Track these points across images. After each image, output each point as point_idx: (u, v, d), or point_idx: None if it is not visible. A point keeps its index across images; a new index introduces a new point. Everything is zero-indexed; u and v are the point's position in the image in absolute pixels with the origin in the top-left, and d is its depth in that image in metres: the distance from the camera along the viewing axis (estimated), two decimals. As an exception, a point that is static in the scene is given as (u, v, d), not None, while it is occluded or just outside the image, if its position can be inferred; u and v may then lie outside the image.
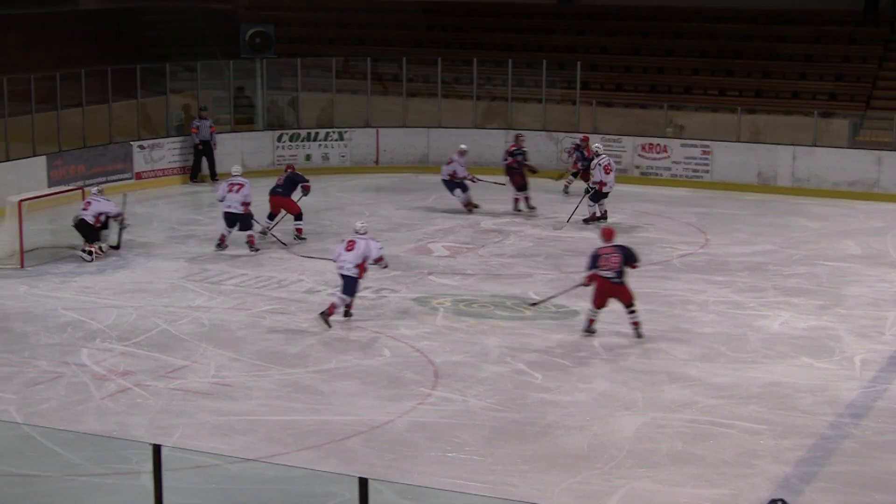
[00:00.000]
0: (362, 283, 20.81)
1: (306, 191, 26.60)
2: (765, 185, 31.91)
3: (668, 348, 19.32)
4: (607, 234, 19.93)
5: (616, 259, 19.40)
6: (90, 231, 24.44)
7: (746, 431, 16.19)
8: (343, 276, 20.49)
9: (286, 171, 27.00)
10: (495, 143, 33.79)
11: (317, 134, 34.23)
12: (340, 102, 35.03)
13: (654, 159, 32.37)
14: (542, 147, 33.50)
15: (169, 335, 19.93)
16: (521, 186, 29.43)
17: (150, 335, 19.92)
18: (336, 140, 34.24)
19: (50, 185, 28.82)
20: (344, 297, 20.50)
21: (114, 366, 18.56)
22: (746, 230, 27.71)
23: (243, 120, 34.98)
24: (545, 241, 26.18)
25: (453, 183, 29.35)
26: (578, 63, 33.97)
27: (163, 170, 32.68)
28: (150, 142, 32.73)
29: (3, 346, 19.40)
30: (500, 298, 22.02)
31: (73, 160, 30.67)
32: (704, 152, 32.33)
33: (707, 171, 32.29)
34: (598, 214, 28.01)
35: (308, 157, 34.08)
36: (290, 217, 26.51)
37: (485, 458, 15.22)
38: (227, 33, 37.49)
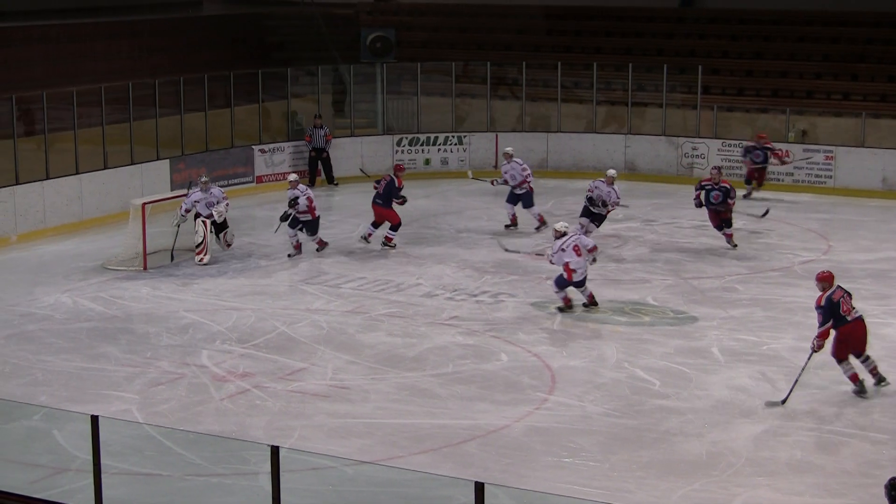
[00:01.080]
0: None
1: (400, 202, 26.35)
2: (889, 191, 31.37)
3: (789, 356, 19.08)
4: (827, 279, 17.44)
5: (849, 299, 17.44)
6: (218, 226, 24.89)
7: (868, 441, 15.96)
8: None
9: (385, 178, 26.55)
10: (614, 147, 33.69)
11: (436, 138, 34.30)
12: (460, 107, 35.09)
13: (776, 164, 31.98)
14: (661, 152, 33.32)
15: (287, 338, 20.09)
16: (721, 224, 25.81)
17: (269, 337, 20.09)
18: (455, 144, 34.29)
19: (172, 189, 29.15)
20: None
21: (233, 367, 18.75)
22: (870, 236, 27.29)
23: (363, 124, 35.13)
24: (663, 247, 26.00)
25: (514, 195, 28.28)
26: (699, 67, 33.67)
27: (283, 173, 32.87)
28: (271, 146, 33.01)
29: (126, 347, 19.68)
30: (618, 304, 21.92)
31: (195, 163, 31.01)
32: (827, 157, 31.91)
33: (830, 177, 31.87)
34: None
35: (427, 162, 34.18)
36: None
37: (601, 464, 15.16)
38: (348, 38, 37.69)
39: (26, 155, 27.58)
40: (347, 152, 33.44)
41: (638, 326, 20.76)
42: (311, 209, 25.32)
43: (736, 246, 25.48)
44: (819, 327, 17.09)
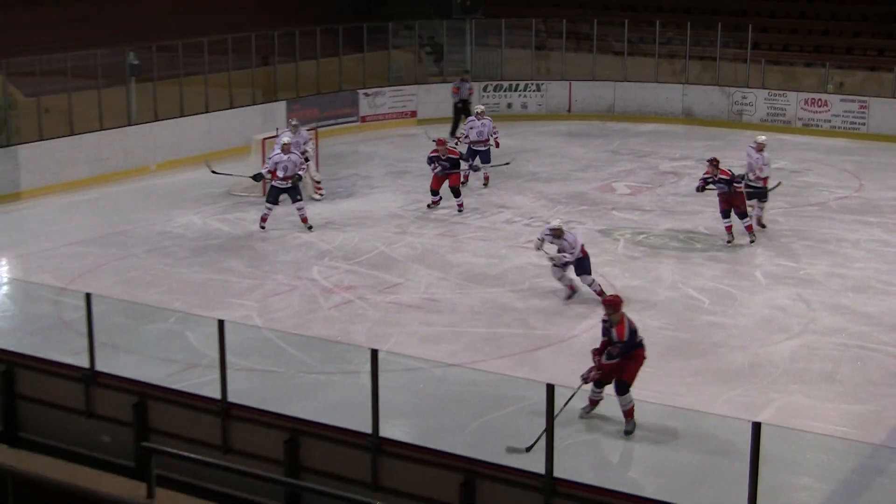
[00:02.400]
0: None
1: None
2: (917, 137, 30.92)
3: (823, 280, 18.93)
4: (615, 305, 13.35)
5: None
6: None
7: (892, 355, 15.85)
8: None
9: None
10: (673, 95, 33.39)
11: (517, 85, 34.15)
12: (539, 58, 34.86)
13: (816, 112, 31.56)
14: (714, 100, 32.97)
15: (386, 256, 20.18)
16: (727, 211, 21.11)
17: (371, 256, 20.19)
18: (534, 91, 34.11)
19: (286, 127, 29.23)
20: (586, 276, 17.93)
21: (339, 281, 18.88)
22: (898, 176, 26.93)
23: (453, 73, 35.00)
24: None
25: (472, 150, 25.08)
26: (750, 25, 33.19)
27: (384, 114, 33.00)
28: (374, 90, 33.02)
29: (248, 262, 19.85)
30: (674, 232, 21.79)
31: (308, 105, 31.14)
32: (861, 107, 31.38)
33: (864, 124, 31.34)
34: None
35: (509, 106, 34.07)
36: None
37: (656, 371, 15.11)
38: (442, -4, 37.59)
39: (164, 96, 27.78)
40: (440, 97, 33.38)
41: (690, 252, 20.64)
42: (293, 173, 21.69)
43: (753, 241, 20.89)
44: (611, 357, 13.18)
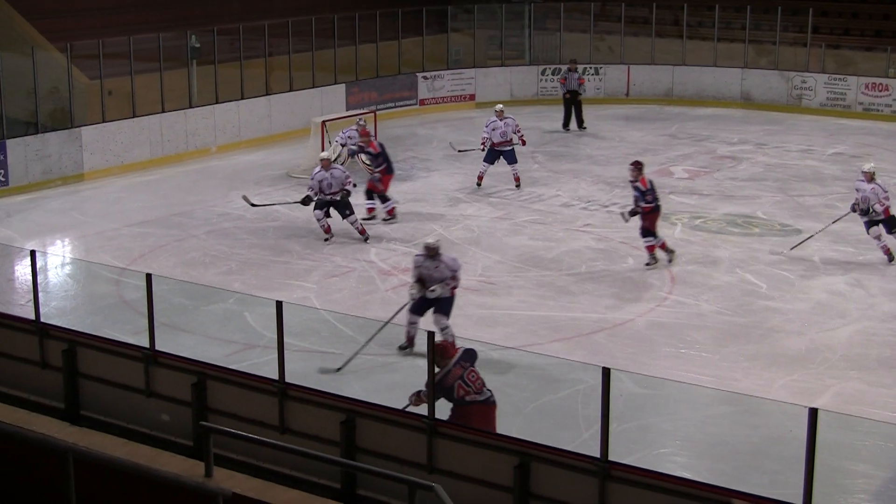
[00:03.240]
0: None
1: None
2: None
3: (882, 266, 18.71)
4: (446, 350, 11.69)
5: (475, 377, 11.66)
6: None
7: (951, 342, 15.67)
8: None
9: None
10: (732, 79, 33.10)
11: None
12: (597, 41, 34.67)
13: (876, 97, 31.20)
14: (773, 84, 32.68)
15: (444, 239, 20.15)
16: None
17: (428, 239, 20.16)
18: (592, 74, 33.91)
19: (347, 109, 29.31)
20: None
21: (396, 263, 18.89)
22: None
23: (512, 56, 34.93)
24: (773, 168, 25.53)
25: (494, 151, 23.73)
26: (811, 9, 32.85)
27: (442, 97, 32.97)
28: (433, 73, 33.00)
29: (307, 245, 19.90)
30: (732, 216, 21.63)
31: (367, 88, 31.18)
32: (922, 91, 31.09)
33: (924, 109, 31.06)
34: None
35: (567, 89, 33.96)
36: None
37: (713, 356, 15.07)
38: (501, -20, 37.51)
39: (225, 79, 27.90)
40: (498, 80, 33.36)
41: (748, 237, 20.48)
42: (340, 188, 20.06)
43: (649, 264, 18.72)
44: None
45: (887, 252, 18.83)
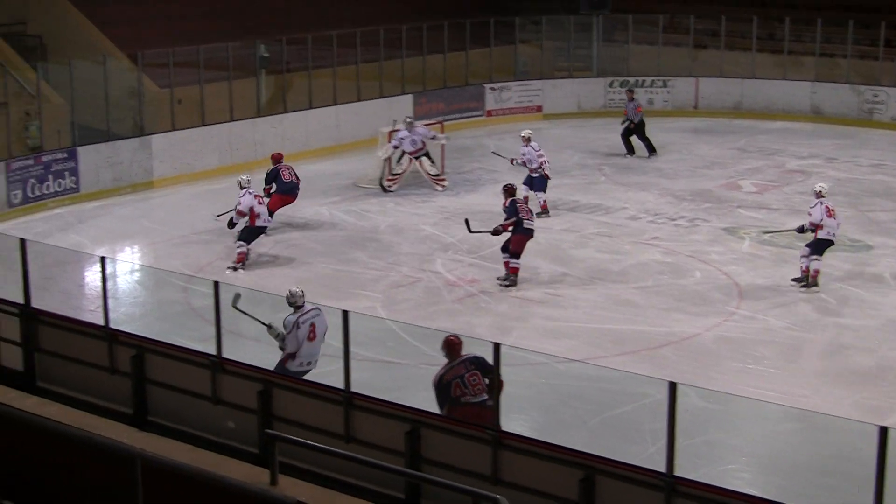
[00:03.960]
0: None
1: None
2: None
3: (955, 283, 18.49)
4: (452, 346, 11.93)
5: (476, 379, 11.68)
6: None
7: None
8: None
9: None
10: (802, 92, 32.82)
11: (643, 81, 33.85)
12: (665, 54, 34.50)
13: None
14: (845, 98, 32.36)
15: (510, 250, 20.14)
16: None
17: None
18: (660, 87, 33.80)
19: (415, 120, 29.37)
20: None
21: (463, 274, 18.90)
22: None
23: (580, 68, 34.85)
24: (844, 183, 25.27)
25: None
26: (882, 23, 32.52)
27: (510, 108, 32.97)
28: (500, 84, 33.01)
29: (373, 254, 19.98)
30: (801, 231, 21.46)
31: (434, 98, 31.24)
32: None
33: None
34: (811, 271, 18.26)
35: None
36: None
37: (780, 371, 14.94)
38: (569, -8, 37.49)
39: (293, 88, 28.07)
40: (565, 92, 33.32)
41: (818, 252, 20.28)
42: (251, 215, 19.40)
43: (501, 281, 18.41)
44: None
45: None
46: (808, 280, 18.10)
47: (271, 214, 20.54)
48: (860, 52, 33.25)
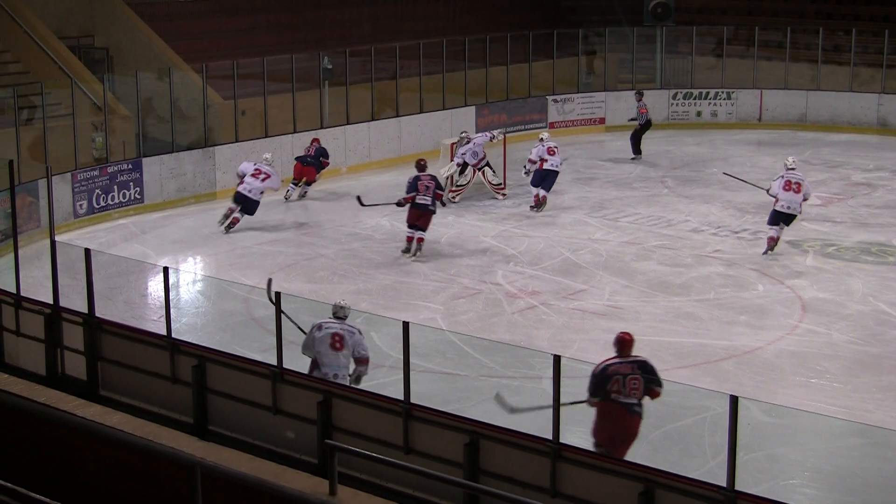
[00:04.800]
0: None
1: (324, 166, 25.34)
2: None
3: None
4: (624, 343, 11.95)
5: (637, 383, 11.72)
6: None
7: None
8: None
9: (313, 143, 25.51)
10: (868, 104, 32.53)
11: (707, 93, 33.70)
12: (730, 66, 34.31)
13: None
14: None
15: (571, 263, 20.11)
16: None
17: (555, 262, 20.14)
18: (724, 99, 33.64)
19: (477, 131, 29.35)
20: None
21: (524, 286, 18.88)
22: None
23: (643, 80, 34.73)
24: (911, 195, 25.06)
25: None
26: (951, 34, 32.25)
27: (573, 121, 32.94)
28: (563, 96, 32.97)
29: (435, 266, 20.00)
30: (866, 244, 21.23)
31: (497, 110, 31.26)
32: None
33: None
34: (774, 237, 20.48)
35: (699, 114, 33.66)
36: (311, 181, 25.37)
37: (844, 386, 14.79)
38: (633, 3, 37.30)
39: (356, 100, 28.19)
40: (629, 104, 33.12)
41: (883, 265, 20.09)
42: (261, 193, 22.62)
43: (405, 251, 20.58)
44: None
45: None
46: (771, 249, 20.27)
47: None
48: (928, 63, 32.93)
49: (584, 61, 34.33)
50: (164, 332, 13.29)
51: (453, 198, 24.30)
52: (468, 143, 24.34)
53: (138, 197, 23.82)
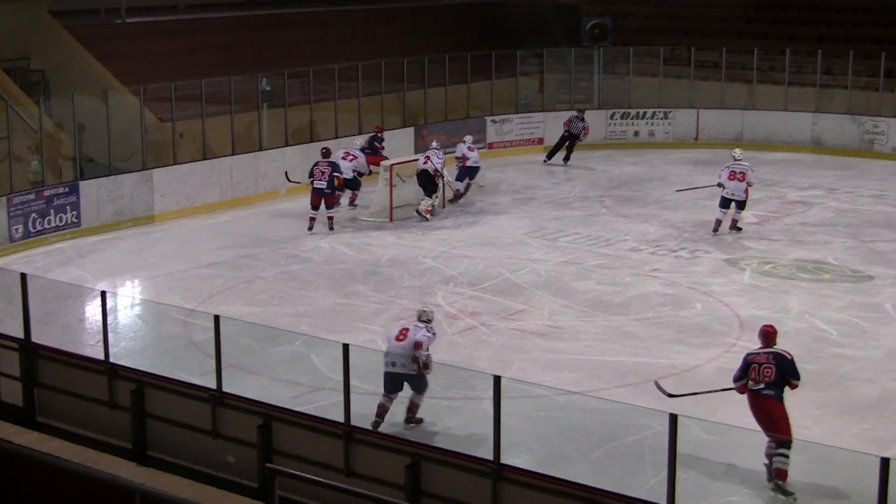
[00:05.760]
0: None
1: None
2: None
3: (956, 313, 18.48)
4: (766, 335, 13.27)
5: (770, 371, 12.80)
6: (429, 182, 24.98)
7: None
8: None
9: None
10: (803, 123, 32.88)
11: (645, 113, 33.93)
12: (667, 85, 34.58)
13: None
14: (845, 129, 32.41)
15: (511, 283, 20.16)
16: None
17: (495, 282, 20.18)
18: (661, 119, 33.88)
19: (416, 153, 29.40)
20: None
21: (464, 307, 18.90)
22: None
23: (581, 100, 34.91)
24: (845, 213, 25.30)
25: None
26: (883, 54, 32.59)
27: (511, 141, 33.04)
28: (501, 117, 33.09)
29: (374, 287, 19.98)
30: (802, 262, 21.44)
31: (436, 131, 31.27)
32: None
33: None
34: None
35: (636, 133, 33.88)
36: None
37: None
38: (571, 24, 37.58)
39: (295, 122, 28.14)
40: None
41: (819, 283, 20.30)
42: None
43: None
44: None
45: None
46: (715, 230, 23.21)
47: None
48: (861, 83, 33.29)
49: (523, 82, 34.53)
50: (102, 356, 13.19)
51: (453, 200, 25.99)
52: (437, 149, 25.42)
53: (75, 221, 23.61)
